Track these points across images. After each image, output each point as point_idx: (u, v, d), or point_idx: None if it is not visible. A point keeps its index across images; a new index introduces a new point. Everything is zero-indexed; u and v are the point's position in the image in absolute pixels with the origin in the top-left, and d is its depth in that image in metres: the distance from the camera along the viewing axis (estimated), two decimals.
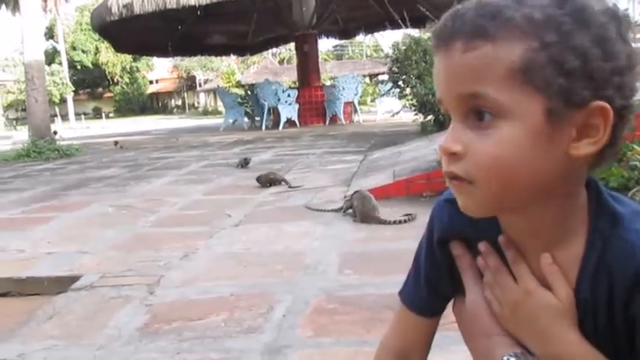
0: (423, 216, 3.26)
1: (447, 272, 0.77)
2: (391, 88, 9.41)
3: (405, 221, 3.22)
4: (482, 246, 0.71)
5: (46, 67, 12.46)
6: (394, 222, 3.23)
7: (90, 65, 51.46)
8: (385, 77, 13.06)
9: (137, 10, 11.80)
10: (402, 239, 2.96)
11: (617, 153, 0.65)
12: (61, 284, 2.54)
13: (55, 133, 11.01)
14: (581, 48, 0.57)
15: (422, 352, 0.85)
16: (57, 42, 47.43)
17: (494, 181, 0.61)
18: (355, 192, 3.51)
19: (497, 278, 0.69)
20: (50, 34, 48.73)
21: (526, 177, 0.61)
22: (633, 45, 0.59)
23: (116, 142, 11.81)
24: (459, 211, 0.71)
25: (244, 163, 6.38)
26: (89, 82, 53.74)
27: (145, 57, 46.55)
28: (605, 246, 0.64)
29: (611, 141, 0.61)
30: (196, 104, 52.27)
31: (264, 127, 13.71)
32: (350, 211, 3.51)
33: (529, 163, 0.60)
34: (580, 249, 0.65)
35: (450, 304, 0.81)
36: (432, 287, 0.80)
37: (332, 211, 3.69)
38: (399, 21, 8.53)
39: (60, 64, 42.43)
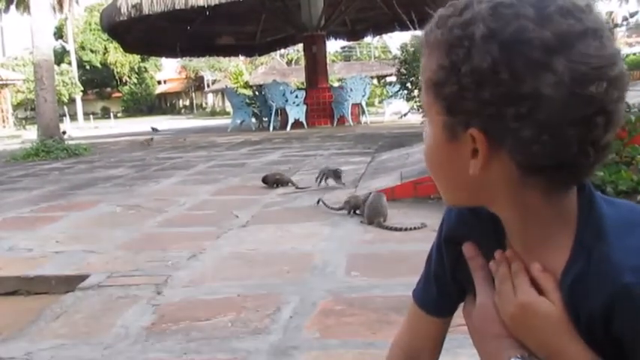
0: (430, 220, 3.24)
1: (450, 272, 0.78)
2: (399, 90, 9.40)
3: (414, 229, 3.16)
4: (497, 254, 0.71)
5: (55, 67, 12.51)
6: (400, 229, 3.18)
7: (99, 65, 51.72)
8: (393, 79, 13.03)
9: (146, 10, 11.84)
10: (409, 241, 2.96)
11: (575, 176, 0.63)
12: (69, 283, 2.54)
13: (64, 133, 11.10)
14: (462, 74, 0.59)
15: (432, 353, 0.85)
16: (66, 42, 47.71)
17: (429, 171, 0.70)
18: (369, 193, 3.50)
19: (501, 288, 0.70)
20: (59, 34, 49.04)
21: (444, 177, 0.69)
22: (526, 72, 0.57)
23: (151, 139, 11.99)
24: (468, 212, 0.73)
25: (334, 175, 4.60)
26: (98, 82, 54.00)
27: (153, 57, 46.76)
28: (587, 260, 0.63)
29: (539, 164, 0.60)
30: (204, 105, 52.42)
31: (271, 128, 13.74)
32: (358, 211, 3.51)
33: (441, 166, 0.68)
34: (564, 259, 0.65)
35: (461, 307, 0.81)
36: (440, 286, 0.81)
37: (340, 209, 3.69)
38: (408, 22, 8.51)
39: (69, 63, 42.66)
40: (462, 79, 0.59)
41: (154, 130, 17.32)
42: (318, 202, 3.89)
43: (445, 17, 0.62)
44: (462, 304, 0.82)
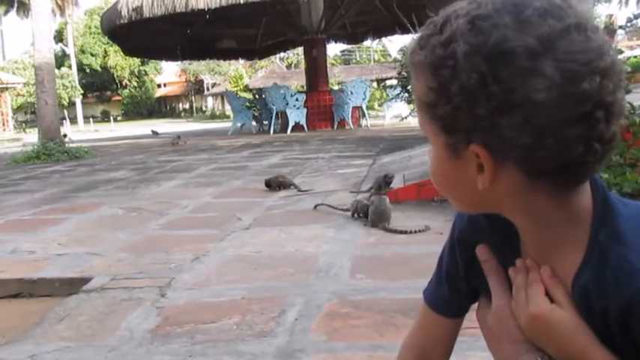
0: (434, 222, 3.25)
1: (463, 273, 0.78)
2: (400, 93, 9.40)
3: (417, 232, 3.14)
4: (518, 262, 0.71)
5: (56, 71, 12.51)
6: (404, 232, 3.16)
7: (98, 69, 51.71)
8: (393, 82, 13.03)
9: (147, 13, 11.84)
10: (414, 244, 2.95)
11: (584, 174, 0.62)
12: (72, 286, 2.53)
13: (65, 136, 11.07)
14: (452, 94, 0.58)
15: (443, 354, 0.85)
16: (66, 45, 47.72)
17: (437, 188, 0.70)
18: (372, 194, 3.47)
19: (516, 296, 0.70)
20: (59, 37, 49.04)
21: (454, 193, 0.68)
22: (516, 82, 0.56)
23: (178, 137, 12.06)
24: (481, 214, 0.73)
25: (384, 183, 4.07)
26: (98, 85, 53.99)
27: (153, 61, 46.71)
28: (603, 262, 0.62)
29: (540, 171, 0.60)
30: (204, 108, 52.39)
31: (272, 131, 13.74)
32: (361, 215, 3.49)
33: (449, 184, 0.67)
34: (578, 260, 0.64)
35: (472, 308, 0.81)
36: (452, 287, 0.81)
37: (343, 210, 3.68)
38: (408, 25, 8.52)
39: (69, 67, 42.66)
40: (453, 99, 0.59)
41: (155, 133, 17.31)
42: (315, 207, 3.90)
43: (426, 37, 0.62)
44: (474, 306, 0.82)
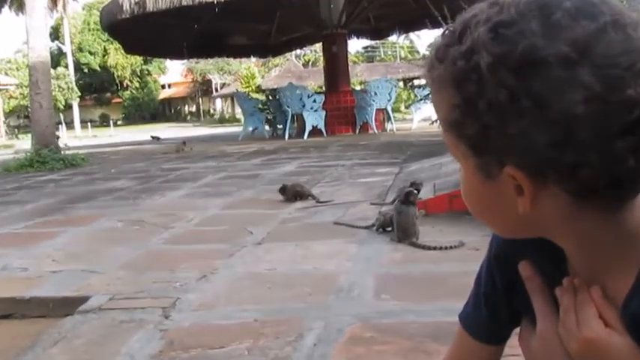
0: (468, 237, 3.19)
1: (504, 294, 0.78)
2: (429, 94, 9.36)
3: (449, 248, 3.11)
4: (565, 281, 0.70)
5: (51, 71, 12.69)
6: (435, 248, 3.13)
7: (97, 68, 52.41)
8: (422, 81, 12.96)
9: (150, 7, 11.99)
10: (446, 261, 2.92)
11: (635, 190, 0.61)
12: (68, 306, 2.54)
13: (58, 138, 11.16)
14: (480, 111, 0.58)
15: None
16: (63, 43, 48.49)
17: (473, 214, 0.70)
18: (397, 205, 3.42)
19: (564, 319, 0.69)
20: (56, 34, 49.84)
21: (491, 218, 0.68)
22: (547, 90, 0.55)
23: (184, 143, 12.21)
24: None
25: (410, 192, 3.67)
26: (96, 86, 54.70)
27: (156, 59, 47.27)
28: None
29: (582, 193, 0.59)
30: (212, 111, 52.92)
31: (287, 136, 13.85)
32: (389, 229, 3.48)
33: (485, 209, 0.67)
34: (629, 282, 0.63)
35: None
36: (491, 310, 0.80)
37: (364, 228, 3.67)
38: (439, 18, 8.50)
39: (66, 66, 43.32)
40: (481, 117, 0.58)
41: (155, 138, 17.49)
42: (336, 223, 3.86)
43: (444, 48, 0.61)
44: (516, 331, 0.81)
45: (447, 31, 0.62)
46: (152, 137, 17.87)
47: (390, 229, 3.49)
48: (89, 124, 41.16)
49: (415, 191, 3.52)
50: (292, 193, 4.87)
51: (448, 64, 0.60)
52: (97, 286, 2.82)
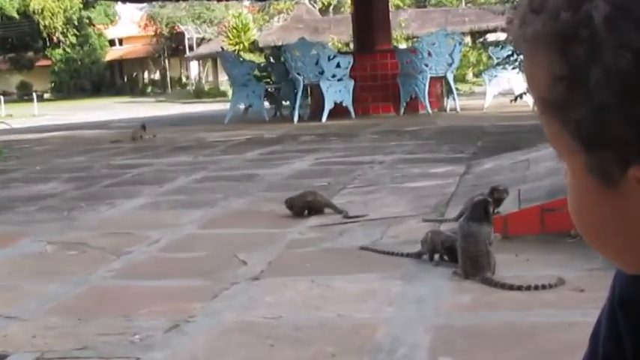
0: (570, 272, 2.82)
1: (632, 353, 0.66)
2: (511, 55, 8.30)
3: (542, 288, 2.76)
4: None
5: None
6: (520, 287, 2.78)
7: (15, 15, 42.49)
8: (500, 36, 11.76)
9: None
10: (536, 307, 2.64)
11: None
12: None
13: None
14: (593, 85, 0.47)
15: None
16: None
17: (583, 234, 0.61)
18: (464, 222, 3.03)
19: None
20: None
21: (611, 241, 0.56)
22: None
23: (144, 127, 10.51)
24: None
25: (489, 203, 3.18)
26: (13, 42, 45.02)
27: (102, 1, 38.96)
28: None
29: None
30: (185, 79, 44.54)
31: (296, 118, 12.06)
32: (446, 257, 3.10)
33: (601, 229, 0.56)
34: None
35: None
36: None
37: (413, 256, 3.26)
38: None
39: None
40: (594, 94, 0.47)
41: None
42: (369, 249, 3.42)
43: None
44: None
45: None
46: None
47: (447, 257, 3.12)
48: (1, 97, 32.64)
49: (492, 202, 3.15)
50: (302, 205, 4.31)
51: (547, 17, 0.50)
52: (19, 339, 2.59)
